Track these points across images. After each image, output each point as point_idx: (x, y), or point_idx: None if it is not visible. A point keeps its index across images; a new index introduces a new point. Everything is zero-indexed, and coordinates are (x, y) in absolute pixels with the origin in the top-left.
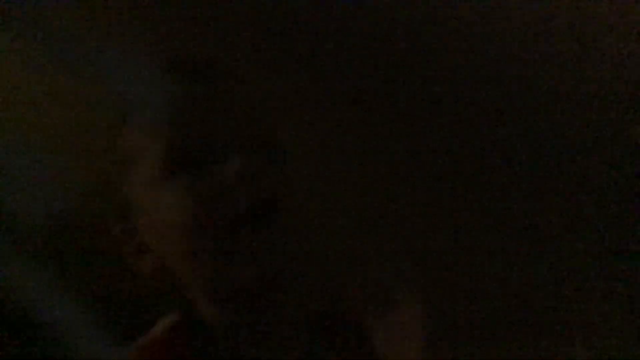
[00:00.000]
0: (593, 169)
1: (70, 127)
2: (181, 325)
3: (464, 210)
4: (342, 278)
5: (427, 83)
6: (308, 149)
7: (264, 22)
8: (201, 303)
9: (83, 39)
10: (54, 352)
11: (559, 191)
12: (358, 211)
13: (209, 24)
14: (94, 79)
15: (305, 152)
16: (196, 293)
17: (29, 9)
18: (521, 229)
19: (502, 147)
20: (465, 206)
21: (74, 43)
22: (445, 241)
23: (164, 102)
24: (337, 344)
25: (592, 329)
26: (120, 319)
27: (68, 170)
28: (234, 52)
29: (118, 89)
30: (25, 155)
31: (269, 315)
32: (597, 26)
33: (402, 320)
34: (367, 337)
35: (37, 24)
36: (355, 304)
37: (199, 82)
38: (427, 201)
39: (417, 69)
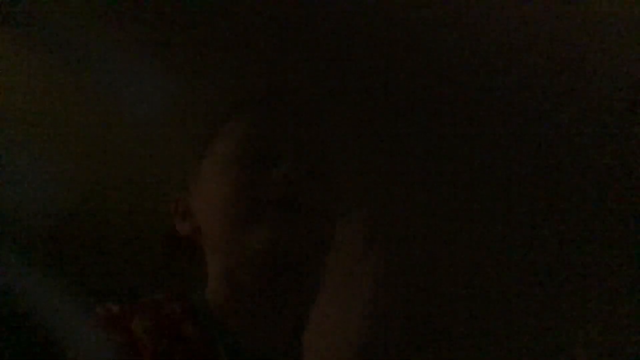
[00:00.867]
0: (593, 169)
1: (71, 127)
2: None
3: (463, 210)
4: None
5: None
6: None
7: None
8: (220, 264)
9: (89, 43)
10: (54, 352)
11: (559, 191)
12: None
13: (280, 58)
14: (96, 80)
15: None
16: (220, 255)
17: (32, 9)
18: (521, 228)
19: (502, 146)
20: (465, 206)
21: (78, 45)
22: (446, 241)
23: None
24: None
25: (592, 329)
26: None
27: (68, 171)
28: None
29: (118, 89)
30: (25, 155)
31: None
32: (597, 26)
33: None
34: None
35: (37, 24)
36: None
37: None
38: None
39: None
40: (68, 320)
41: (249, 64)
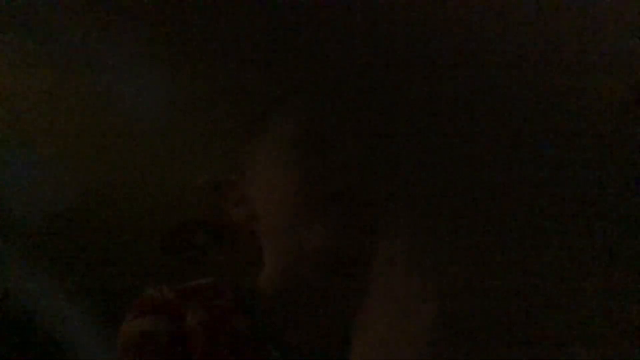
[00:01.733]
0: (593, 169)
1: (71, 127)
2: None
3: (462, 211)
4: None
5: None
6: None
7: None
8: (277, 256)
9: (88, 43)
10: (54, 352)
11: (558, 191)
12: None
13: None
14: (96, 80)
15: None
16: (278, 246)
17: (33, 9)
18: (521, 228)
19: (502, 146)
20: (464, 206)
21: (78, 45)
22: (445, 241)
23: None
24: None
25: (592, 329)
26: (120, 318)
27: (68, 171)
28: None
29: (118, 89)
30: (25, 155)
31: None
32: (597, 26)
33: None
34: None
35: (37, 24)
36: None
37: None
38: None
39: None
40: (68, 320)
41: (253, 65)
